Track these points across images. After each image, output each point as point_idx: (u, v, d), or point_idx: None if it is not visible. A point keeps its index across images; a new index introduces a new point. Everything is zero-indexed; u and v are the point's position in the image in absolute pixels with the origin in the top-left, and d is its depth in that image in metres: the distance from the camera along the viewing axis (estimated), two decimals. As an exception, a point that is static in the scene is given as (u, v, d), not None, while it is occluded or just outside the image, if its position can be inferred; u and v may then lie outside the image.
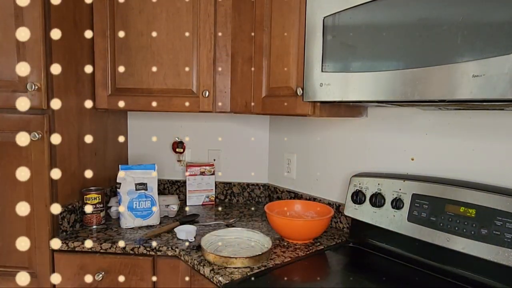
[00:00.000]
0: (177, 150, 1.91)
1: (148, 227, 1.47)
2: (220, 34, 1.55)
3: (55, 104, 1.32)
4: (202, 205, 1.85)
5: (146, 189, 1.48)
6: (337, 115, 1.26)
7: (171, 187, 1.96)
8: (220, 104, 1.57)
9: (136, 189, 1.47)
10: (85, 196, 1.47)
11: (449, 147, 1.16)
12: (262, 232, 1.32)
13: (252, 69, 1.43)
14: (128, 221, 1.47)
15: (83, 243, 1.30)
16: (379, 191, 1.23)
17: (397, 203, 1.17)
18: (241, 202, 1.93)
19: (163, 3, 1.52)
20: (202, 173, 1.84)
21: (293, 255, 1.22)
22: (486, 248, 0.96)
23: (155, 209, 1.48)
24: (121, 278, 1.31)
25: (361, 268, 1.19)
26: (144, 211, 1.47)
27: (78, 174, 1.49)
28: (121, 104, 1.58)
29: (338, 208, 1.51)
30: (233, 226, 1.51)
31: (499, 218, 0.95)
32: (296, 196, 1.72)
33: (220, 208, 1.79)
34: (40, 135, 1.27)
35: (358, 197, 1.29)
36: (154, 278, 1.31)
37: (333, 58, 1.02)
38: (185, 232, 1.34)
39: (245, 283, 1.03)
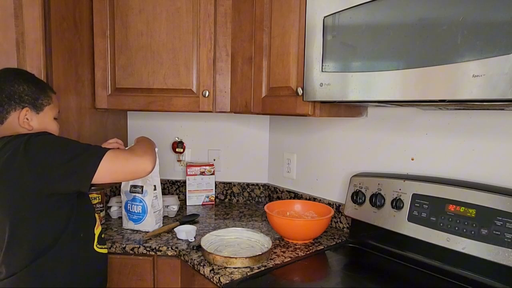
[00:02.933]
0: (177, 150, 1.91)
1: (139, 232, 1.42)
2: (220, 34, 1.55)
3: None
4: (202, 205, 1.85)
5: (141, 193, 1.42)
6: (337, 115, 1.26)
7: (171, 187, 1.96)
8: (220, 104, 1.57)
9: (130, 191, 1.43)
10: (85, 196, 1.46)
11: (449, 147, 1.16)
12: (262, 232, 1.32)
13: (252, 69, 1.43)
14: (124, 222, 1.47)
15: (83, 243, 1.30)
16: (379, 191, 1.23)
17: (397, 203, 1.17)
18: (241, 202, 1.93)
19: (163, 3, 1.52)
20: (202, 173, 1.84)
21: (293, 255, 1.22)
22: (486, 248, 0.96)
23: (146, 216, 1.41)
24: (121, 278, 1.31)
25: (361, 268, 1.19)
26: (136, 215, 1.42)
27: (78, 174, 1.49)
28: (121, 104, 1.58)
29: (338, 208, 1.51)
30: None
31: (499, 218, 0.95)
32: (296, 196, 1.72)
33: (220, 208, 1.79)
34: (40, 135, 1.27)
35: (358, 197, 1.28)
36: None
37: (333, 58, 1.02)
38: (185, 232, 1.34)
39: (245, 283, 1.03)
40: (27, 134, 0.98)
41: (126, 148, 1.15)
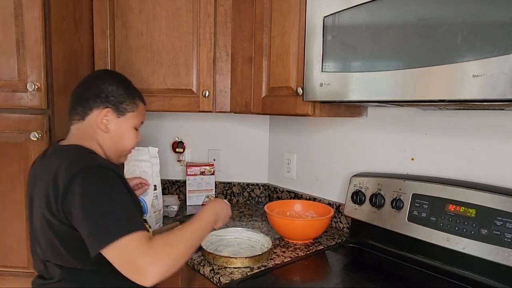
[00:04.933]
0: (177, 150, 1.91)
1: None
2: (220, 34, 1.55)
3: (55, 104, 1.32)
4: (202, 205, 1.85)
5: None
6: (337, 115, 1.26)
7: (171, 187, 1.96)
8: (220, 104, 1.57)
9: None
10: (85, 196, 1.46)
11: (449, 147, 1.16)
12: (262, 232, 1.32)
13: (252, 69, 1.43)
14: None
15: (83, 243, 1.30)
16: (379, 191, 1.23)
17: (397, 203, 1.17)
18: (241, 202, 1.93)
19: (163, 3, 1.52)
20: (202, 173, 1.84)
21: (293, 255, 1.22)
22: (486, 248, 0.96)
23: (146, 216, 1.37)
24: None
25: (361, 268, 1.19)
26: None
27: (78, 174, 1.49)
28: (121, 104, 1.58)
29: (338, 208, 1.51)
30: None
31: (499, 218, 0.95)
32: (296, 196, 1.72)
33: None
34: (40, 135, 1.27)
35: (358, 197, 1.28)
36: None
37: (333, 58, 1.02)
38: (185, 232, 1.34)
39: (245, 283, 1.03)
40: (84, 161, 0.89)
41: (157, 234, 0.93)
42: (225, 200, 1.14)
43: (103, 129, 1.02)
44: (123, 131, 1.06)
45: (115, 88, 1.04)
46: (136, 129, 1.11)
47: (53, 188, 0.87)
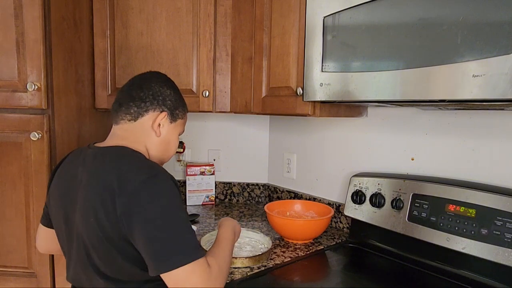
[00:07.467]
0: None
1: None
2: (220, 34, 1.55)
3: (55, 104, 1.32)
4: (202, 205, 1.85)
5: None
6: (337, 115, 1.26)
7: (171, 187, 1.95)
8: (220, 104, 1.57)
9: None
10: (85, 196, 1.46)
11: (449, 147, 1.16)
12: (262, 232, 1.32)
13: (252, 69, 1.43)
14: None
15: (83, 243, 1.29)
16: (379, 191, 1.23)
17: (397, 203, 1.17)
18: (241, 202, 1.93)
19: (163, 3, 1.52)
20: (202, 173, 1.84)
21: (293, 255, 1.22)
22: (486, 248, 0.96)
23: None
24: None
25: (361, 268, 1.19)
26: None
27: (78, 174, 1.49)
28: (121, 104, 1.58)
29: (338, 208, 1.51)
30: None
31: (499, 218, 0.94)
32: (296, 196, 1.72)
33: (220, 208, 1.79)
34: (40, 135, 1.27)
35: (358, 197, 1.28)
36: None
37: (333, 58, 1.02)
38: (185, 232, 1.34)
39: (245, 283, 1.03)
40: (146, 170, 0.85)
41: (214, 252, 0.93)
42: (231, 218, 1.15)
43: (156, 133, 0.98)
44: (171, 137, 1.03)
45: (172, 92, 1.01)
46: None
47: (110, 197, 0.80)
